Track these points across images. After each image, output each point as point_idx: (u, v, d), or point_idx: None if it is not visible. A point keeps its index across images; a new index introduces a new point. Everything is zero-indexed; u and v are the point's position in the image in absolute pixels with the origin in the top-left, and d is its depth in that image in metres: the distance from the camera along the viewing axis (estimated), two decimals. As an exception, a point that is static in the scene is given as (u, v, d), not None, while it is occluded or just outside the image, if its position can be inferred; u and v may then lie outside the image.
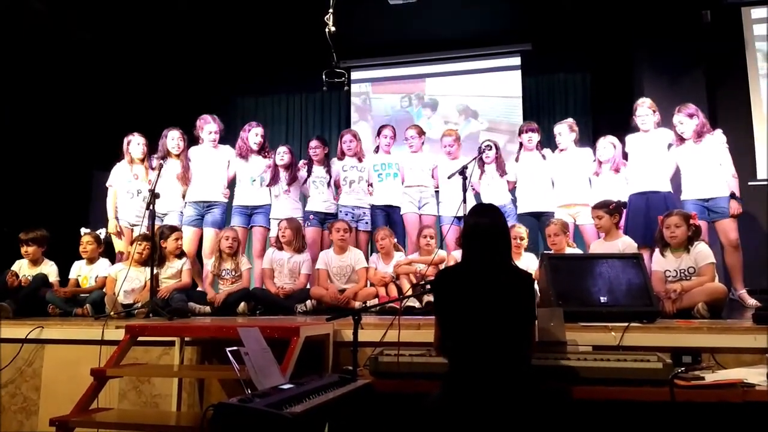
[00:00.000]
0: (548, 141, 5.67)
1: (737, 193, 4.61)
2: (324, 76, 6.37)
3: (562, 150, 5.25)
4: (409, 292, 4.38)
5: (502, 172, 5.32)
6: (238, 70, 7.81)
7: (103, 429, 2.94)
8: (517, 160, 5.42)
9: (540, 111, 7.53)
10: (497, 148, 5.40)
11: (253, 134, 5.35)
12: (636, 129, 4.96)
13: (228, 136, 5.51)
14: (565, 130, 5.22)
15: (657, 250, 4.01)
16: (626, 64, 6.78)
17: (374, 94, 8.02)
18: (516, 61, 7.60)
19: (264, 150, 5.39)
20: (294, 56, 7.32)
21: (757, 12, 6.16)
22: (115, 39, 6.64)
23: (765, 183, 5.69)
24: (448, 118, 7.73)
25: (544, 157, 5.32)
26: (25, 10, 5.79)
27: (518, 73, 7.58)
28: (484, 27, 7.21)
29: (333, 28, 5.37)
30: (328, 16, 5.30)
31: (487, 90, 7.69)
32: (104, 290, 4.54)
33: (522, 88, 7.57)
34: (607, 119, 5.97)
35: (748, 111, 5.92)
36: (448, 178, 5.39)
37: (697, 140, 4.65)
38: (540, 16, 6.81)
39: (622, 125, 5.46)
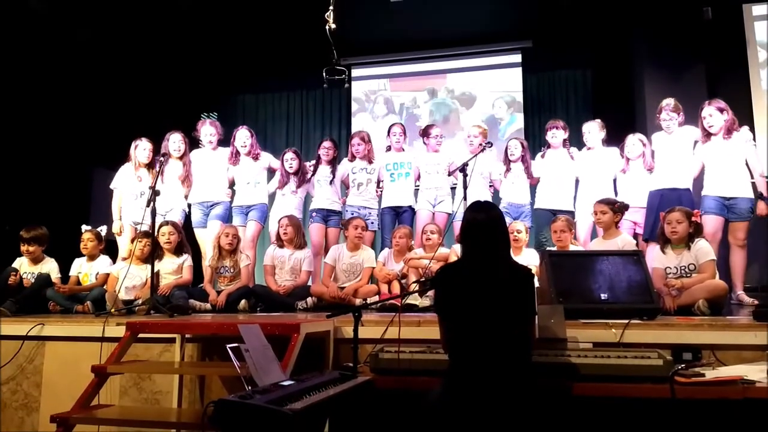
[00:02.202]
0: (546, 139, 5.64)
1: (765, 194, 4.56)
2: (324, 74, 6.37)
3: (589, 148, 5.24)
4: (412, 288, 4.37)
5: (530, 173, 5.31)
6: (239, 68, 7.81)
7: (103, 426, 2.95)
8: (543, 156, 5.42)
9: (541, 108, 7.54)
10: (524, 147, 5.39)
11: (238, 137, 5.42)
12: (659, 128, 4.94)
13: (229, 137, 5.53)
14: (594, 129, 5.20)
15: (657, 247, 4.01)
16: (627, 60, 6.78)
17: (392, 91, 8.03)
18: (517, 58, 7.59)
19: (252, 152, 5.43)
20: (295, 54, 7.32)
21: (758, 9, 6.15)
22: (116, 37, 6.63)
23: (766, 180, 5.68)
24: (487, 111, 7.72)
25: (572, 156, 5.31)
26: (24, 9, 5.78)
27: (519, 70, 7.58)
28: (485, 25, 7.20)
29: (333, 26, 5.37)
30: (328, 13, 5.30)
31: (488, 87, 7.70)
32: (105, 287, 4.54)
33: (523, 85, 7.56)
34: (609, 116, 5.96)
35: (748, 108, 5.91)
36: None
37: (726, 136, 4.59)
38: (540, 14, 6.80)
39: (624, 121, 5.45)
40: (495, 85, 7.65)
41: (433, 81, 7.87)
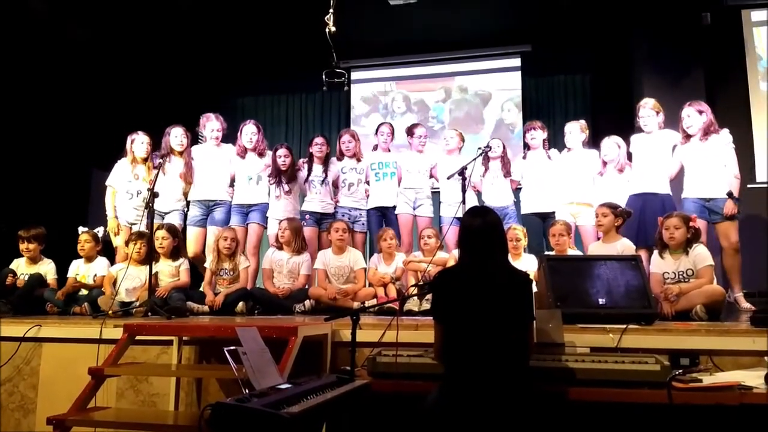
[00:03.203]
0: (551, 141, 5.65)
1: (736, 194, 4.53)
2: (324, 76, 6.37)
3: (569, 149, 5.21)
4: (411, 291, 4.37)
5: (507, 172, 5.30)
6: (239, 70, 7.81)
7: (100, 428, 2.94)
8: (524, 158, 5.41)
9: (540, 112, 7.54)
10: (504, 146, 5.39)
11: (245, 132, 5.31)
12: (640, 130, 4.89)
13: (229, 136, 5.51)
14: (575, 129, 5.15)
15: (656, 252, 4.01)
16: (626, 65, 6.79)
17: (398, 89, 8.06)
18: (516, 62, 7.61)
19: (258, 148, 5.33)
20: (294, 56, 7.33)
21: (757, 14, 6.17)
22: (115, 38, 6.64)
23: (764, 186, 5.69)
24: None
25: (549, 157, 5.29)
26: (24, 8, 5.78)
27: (518, 74, 7.59)
28: (485, 28, 7.22)
29: (333, 28, 5.37)
30: (328, 16, 5.31)
31: (487, 90, 7.71)
32: (103, 289, 4.53)
33: (522, 89, 7.58)
34: (607, 120, 5.98)
35: (747, 113, 5.92)
36: (448, 178, 5.38)
37: (703, 138, 4.57)
38: (540, 17, 6.82)
39: (622, 126, 5.44)
40: (494, 89, 7.67)
41: (434, 84, 7.87)
